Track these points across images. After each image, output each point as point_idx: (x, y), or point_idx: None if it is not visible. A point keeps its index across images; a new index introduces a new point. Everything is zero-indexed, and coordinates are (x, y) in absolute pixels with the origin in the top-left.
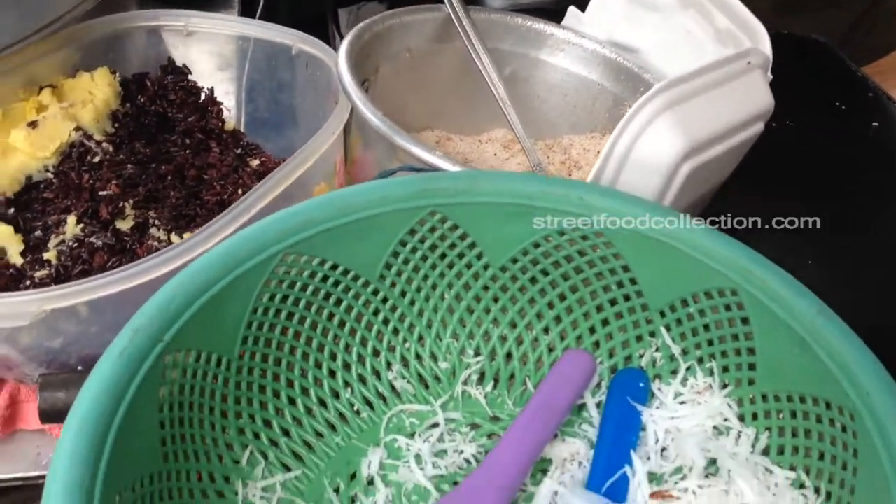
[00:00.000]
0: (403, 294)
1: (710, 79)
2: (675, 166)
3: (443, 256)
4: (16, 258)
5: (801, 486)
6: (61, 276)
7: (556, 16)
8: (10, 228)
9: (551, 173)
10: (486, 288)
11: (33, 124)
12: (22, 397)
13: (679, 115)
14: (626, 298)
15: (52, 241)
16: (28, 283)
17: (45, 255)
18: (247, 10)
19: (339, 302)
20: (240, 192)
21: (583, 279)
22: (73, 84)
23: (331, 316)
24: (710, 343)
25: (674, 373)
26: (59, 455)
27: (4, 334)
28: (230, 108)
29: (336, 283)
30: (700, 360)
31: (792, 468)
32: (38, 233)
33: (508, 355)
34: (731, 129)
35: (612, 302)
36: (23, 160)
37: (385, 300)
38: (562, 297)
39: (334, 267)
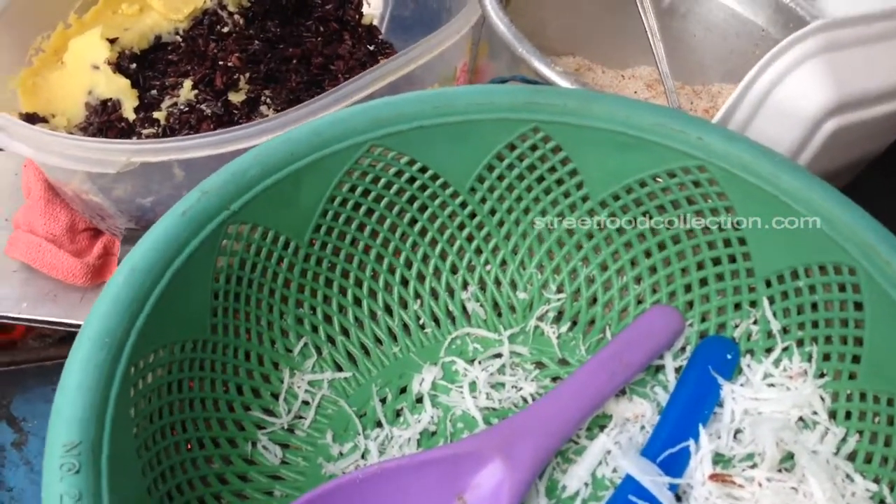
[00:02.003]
0: (493, 212)
1: (880, 29)
2: (819, 121)
3: (540, 179)
4: (129, 112)
5: (881, 503)
6: (166, 137)
7: None
8: (128, 82)
9: None
10: (581, 222)
11: None
12: (115, 250)
13: (833, 62)
14: (732, 260)
15: (166, 102)
16: (135, 138)
17: (156, 115)
18: None
19: (423, 208)
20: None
21: (687, 230)
22: None
23: (413, 221)
24: (815, 325)
25: (768, 351)
26: (101, 298)
27: (100, 183)
28: (370, 1)
29: (423, 188)
30: (800, 342)
31: (876, 480)
32: (153, 91)
33: (593, 299)
34: (893, 91)
35: (715, 261)
36: (156, 19)
37: (473, 216)
38: (661, 246)
39: (423, 170)
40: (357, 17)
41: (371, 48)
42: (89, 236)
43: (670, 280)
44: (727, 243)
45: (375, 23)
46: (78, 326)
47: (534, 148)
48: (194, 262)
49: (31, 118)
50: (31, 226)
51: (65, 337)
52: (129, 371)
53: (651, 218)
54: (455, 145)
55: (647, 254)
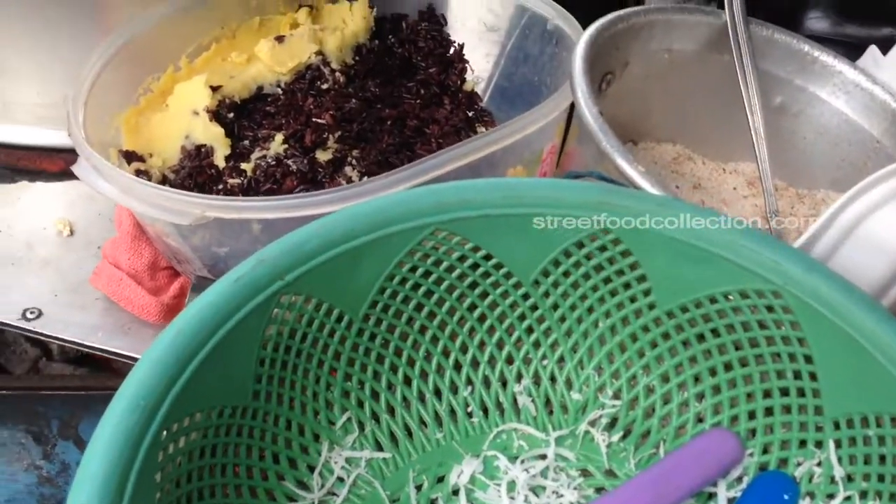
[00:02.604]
0: (555, 307)
1: None
2: None
3: (607, 280)
4: (220, 160)
5: None
6: (250, 190)
7: (853, 51)
8: (223, 131)
9: (785, 225)
10: (645, 329)
11: (280, 39)
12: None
13: None
14: (801, 394)
15: (255, 154)
16: (221, 186)
17: (243, 165)
18: None
19: (484, 295)
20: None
21: (756, 354)
22: (331, 9)
23: (472, 307)
24: (881, 479)
25: (830, 497)
26: (143, 358)
27: (181, 229)
28: (474, 68)
29: (486, 275)
30: (863, 494)
31: None
32: (246, 142)
33: (650, 410)
34: None
35: (783, 391)
36: (261, 70)
37: (534, 308)
38: (727, 367)
39: (487, 257)
40: (459, 82)
41: (470, 114)
42: (168, 275)
43: (734, 403)
44: (797, 375)
45: (477, 90)
46: None
47: (602, 248)
48: (243, 329)
49: (130, 156)
50: (116, 259)
51: None
52: (160, 435)
53: (719, 336)
54: (522, 237)
55: (713, 372)
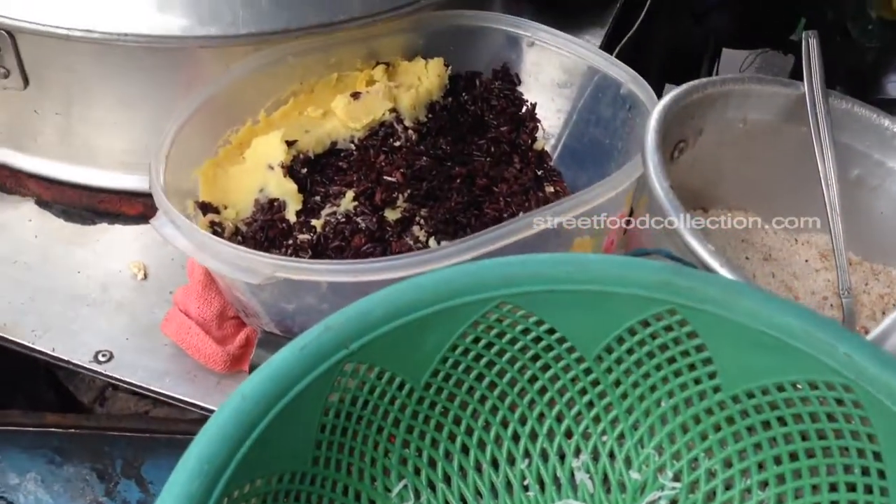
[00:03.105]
0: (617, 384)
1: None
2: None
3: (671, 360)
4: (291, 215)
5: None
6: (319, 246)
7: None
8: (295, 187)
9: (861, 302)
10: (709, 411)
11: (356, 95)
12: (255, 343)
13: None
14: (868, 490)
15: (326, 210)
16: (291, 241)
17: (314, 221)
18: (617, 32)
19: (545, 368)
20: (520, 215)
21: (823, 446)
22: (406, 67)
23: (533, 379)
24: None
25: None
26: (209, 423)
27: (251, 286)
28: (546, 127)
29: (548, 348)
30: None
31: None
32: (317, 197)
33: (711, 494)
34: None
35: (850, 486)
36: (335, 125)
37: (596, 383)
38: (793, 456)
39: (551, 331)
40: (529, 141)
41: (539, 173)
42: (235, 324)
43: (798, 494)
44: (865, 471)
45: (547, 149)
46: (209, 412)
47: (668, 328)
48: (306, 396)
49: (205, 207)
50: (186, 307)
51: (197, 419)
52: (221, 500)
53: (786, 424)
54: (586, 313)
55: (777, 460)
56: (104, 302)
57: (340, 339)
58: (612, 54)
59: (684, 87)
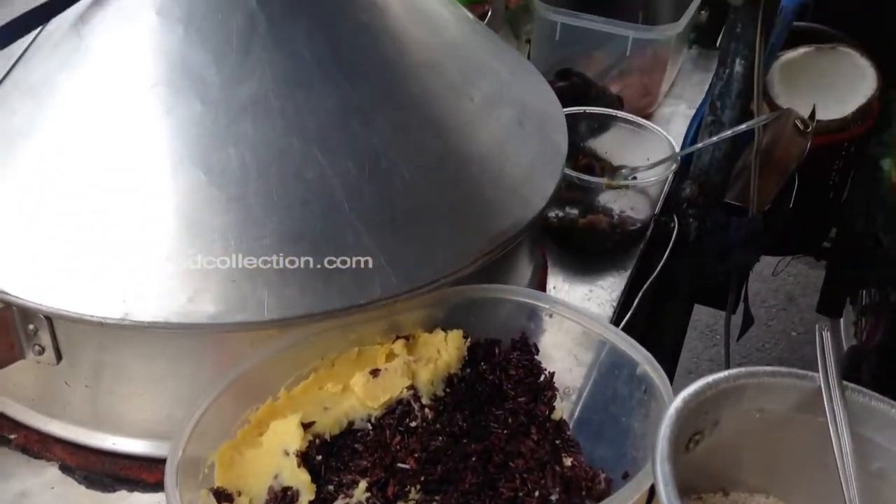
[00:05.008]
0: None
1: None
2: None
3: None
4: None
5: None
6: None
7: None
8: (309, 478)
9: None
10: None
11: (375, 373)
12: None
13: None
14: None
15: (338, 501)
16: None
17: None
18: (641, 277)
19: None
20: (536, 494)
21: None
22: (426, 339)
23: None
24: None
25: None
26: None
27: None
28: (563, 395)
29: None
30: None
31: None
32: (331, 486)
33: None
34: None
35: None
36: (353, 404)
37: None
38: None
39: None
40: (547, 412)
41: (557, 443)
42: None
43: None
44: None
45: (565, 417)
46: None
47: None
48: None
49: (219, 494)
50: None
51: None
52: None
53: None
54: None
55: None
56: None
57: None
58: (636, 298)
59: (696, 386)
